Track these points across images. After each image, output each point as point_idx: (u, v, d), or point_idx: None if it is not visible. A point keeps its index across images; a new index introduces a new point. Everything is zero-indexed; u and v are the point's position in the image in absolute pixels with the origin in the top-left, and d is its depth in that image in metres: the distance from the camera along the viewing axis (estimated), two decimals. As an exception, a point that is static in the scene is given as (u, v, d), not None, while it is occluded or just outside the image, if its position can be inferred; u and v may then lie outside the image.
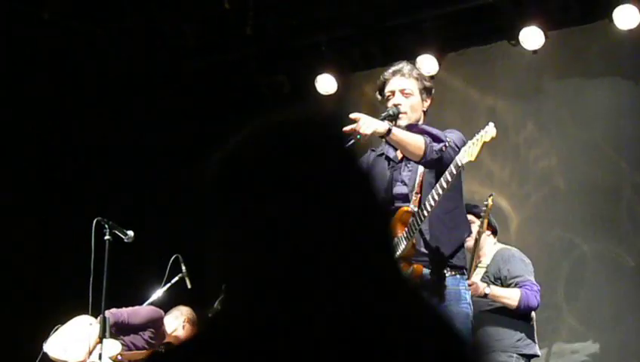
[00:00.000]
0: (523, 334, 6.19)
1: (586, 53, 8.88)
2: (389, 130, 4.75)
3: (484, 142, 4.58)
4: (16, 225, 8.56)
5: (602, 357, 8.44)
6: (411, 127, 4.96)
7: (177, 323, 7.24)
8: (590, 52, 8.86)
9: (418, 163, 4.89)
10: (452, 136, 4.89)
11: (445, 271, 4.91)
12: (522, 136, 9.16)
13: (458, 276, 4.96)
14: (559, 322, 8.60)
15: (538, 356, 6.33)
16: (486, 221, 6.27)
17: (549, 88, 9.12)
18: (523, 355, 6.16)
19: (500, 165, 9.24)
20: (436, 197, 4.71)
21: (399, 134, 4.79)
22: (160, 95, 9.70)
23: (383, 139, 4.93)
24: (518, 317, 6.17)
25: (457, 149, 4.76)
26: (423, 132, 4.89)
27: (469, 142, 4.62)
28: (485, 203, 6.28)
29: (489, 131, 4.59)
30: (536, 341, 6.27)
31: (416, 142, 4.79)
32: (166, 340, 7.18)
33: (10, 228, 8.48)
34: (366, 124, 4.67)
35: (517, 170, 9.22)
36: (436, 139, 4.83)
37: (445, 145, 4.74)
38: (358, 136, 4.66)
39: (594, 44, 8.80)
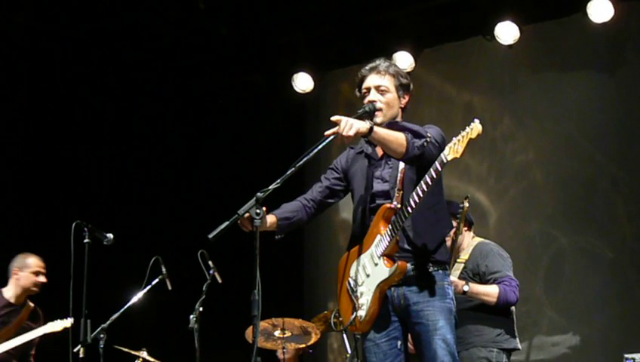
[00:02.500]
0: (502, 329, 6.19)
1: (561, 46, 8.93)
2: (371, 129, 4.76)
3: (470, 139, 4.58)
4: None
5: (583, 349, 8.49)
6: (392, 125, 4.96)
7: (12, 284, 7.33)
8: (565, 46, 8.90)
9: (400, 160, 4.89)
10: (432, 131, 4.89)
11: (428, 267, 4.92)
12: (499, 131, 9.20)
13: (441, 271, 4.96)
14: (539, 315, 8.65)
15: (518, 349, 6.34)
16: (462, 223, 6.25)
17: (524, 82, 9.17)
18: (503, 350, 6.16)
19: (477, 160, 9.28)
20: (421, 194, 4.70)
21: (381, 132, 4.79)
22: (137, 96, 9.68)
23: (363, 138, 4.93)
24: (498, 312, 6.17)
25: (437, 145, 4.77)
26: (403, 129, 4.89)
27: (455, 139, 4.61)
28: (461, 205, 6.25)
29: (475, 128, 4.59)
30: (516, 335, 6.27)
31: (398, 140, 4.79)
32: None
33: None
34: (348, 126, 4.66)
35: (494, 165, 9.25)
36: (417, 135, 4.83)
37: (426, 141, 4.74)
38: (335, 136, 4.69)
39: (569, 38, 8.84)
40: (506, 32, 8.64)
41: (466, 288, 6.03)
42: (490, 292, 6.11)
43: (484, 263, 6.25)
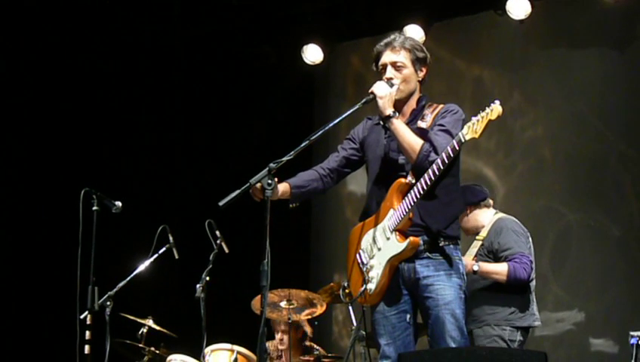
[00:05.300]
0: (516, 308, 6.07)
1: (572, 23, 8.88)
2: (389, 117, 4.82)
3: (490, 120, 4.57)
4: (2, 197, 8.55)
5: (587, 326, 8.51)
6: (423, 132, 4.94)
7: None
8: (577, 22, 8.86)
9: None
10: (453, 131, 4.88)
11: (440, 242, 4.92)
12: (508, 106, 9.14)
13: (452, 246, 4.97)
14: (545, 291, 8.64)
15: (536, 326, 6.24)
16: None
17: (535, 58, 9.13)
18: (518, 328, 6.08)
19: (486, 135, 9.18)
20: (436, 171, 4.71)
21: (399, 129, 4.84)
22: (146, 66, 9.67)
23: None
24: (512, 290, 6.07)
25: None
26: (427, 139, 4.88)
27: (474, 119, 4.61)
28: None
29: (495, 109, 4.58)
30: (534, 312, 6.16)
31: (412, 145, 4.83)
32: None
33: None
34: (378, 88, 4.85)
35: (503, 140, 9.23)
36: (436, 150, 4.82)
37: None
38: (371, 97, 4.84)
39: (580, 14, 8.79)
40: (518, 7, 8.59)
41: (475, 268, 5.97)
42: (499, 270, 6.04)
43: (496, 241, 6.17)
